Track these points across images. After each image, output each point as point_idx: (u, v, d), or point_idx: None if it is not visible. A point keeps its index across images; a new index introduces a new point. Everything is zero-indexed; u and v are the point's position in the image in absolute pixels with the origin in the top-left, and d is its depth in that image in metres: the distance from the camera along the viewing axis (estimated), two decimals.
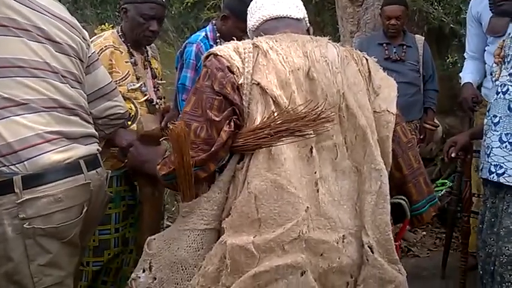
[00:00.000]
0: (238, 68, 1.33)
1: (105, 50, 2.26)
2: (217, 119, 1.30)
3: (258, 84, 1.31)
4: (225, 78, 1.32)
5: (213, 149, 1.29)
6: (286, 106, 1.30)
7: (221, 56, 1.35)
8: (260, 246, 1.24)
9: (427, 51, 3.34)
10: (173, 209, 3.68)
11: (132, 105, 2.25)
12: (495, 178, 2.03)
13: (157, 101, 2.41)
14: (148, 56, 2.49)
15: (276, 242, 1.24)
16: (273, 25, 1.47)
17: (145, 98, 2.32)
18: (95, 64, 1.77)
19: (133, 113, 2.21)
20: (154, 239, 1.41)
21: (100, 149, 1.69)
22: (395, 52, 3.24)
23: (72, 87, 1.59)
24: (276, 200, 1.26)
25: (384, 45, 3.27)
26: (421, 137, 3.34)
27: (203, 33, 2.75)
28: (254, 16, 1.52)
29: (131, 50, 2.39)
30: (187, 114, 1.34)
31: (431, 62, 3.34)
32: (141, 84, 2.34)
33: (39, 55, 1.49)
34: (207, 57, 1.39)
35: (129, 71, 2.33)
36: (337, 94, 1.37)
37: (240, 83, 1.32)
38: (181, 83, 2.64)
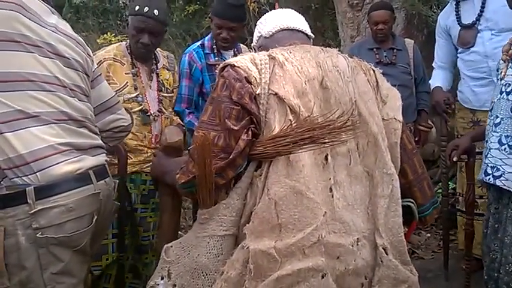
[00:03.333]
0: (255, 78, 1.37)
1: (103, 62, 2.35)
2: (235, 128, 1.34)
3: (276, 94, 1.35)
4: (243, 89, 1.35)
5: (231, 156, 1.33)
6: (303, 114, 1.35)
7: (238, 67, 1.39)
8: (282, 251, 1.28)
9: (417, 54, 3.37)
10: None
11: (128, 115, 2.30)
12: (491, 180, 2.03)
13: (155, 112, 2.43)
14: (157, 67, 2.52)
15: (297, 246, 1.28)
16: (288, 35, 1.55)
17: (139, 108, 2.37)
18: (99, 79, 1.82)
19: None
20: (171, 246, 1.44)
21: (108, 159, 1.73)
22: (386, 56, 3.28)
23: (80, 100, 1.63)
24: (295, 206, 1.29)
25: (374, 50, 3.30)
26: (416, 139, 3.36)
27: (199, 43, 2.83)
28: (271, 24, 1.58)
29: (135, 61, 2.43)
30: (205, 124, 1.38)
31: (422, 65, 3.38)
32: (137, 95, 2.38)
33: (49, 70, 1.53)
34: (223, 68, 1.43)
35: (127, 82, 2.38)
36: (349, 102, 1.42)
37: (257, 93, 1.36)
38: (179, 92, 2.70)
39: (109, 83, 2.23)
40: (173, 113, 2.63)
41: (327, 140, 1.34)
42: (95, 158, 1.62)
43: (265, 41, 1.57)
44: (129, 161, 2.37)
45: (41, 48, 1.53)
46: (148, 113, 2.42)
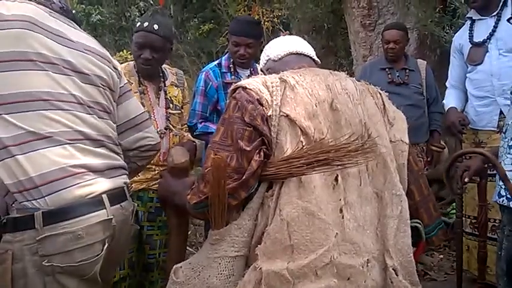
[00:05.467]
0: (267, 100, 1.39)
1: None
2: (248, 148, 1.35)
3: (287, 116, 1.38)
4: (255, 110, 1.38)
5: (244, 177, 1.35)
6: (314, 136, 1.37)
7: (250, 89, 1.41)
8: (294, 272, 1.28)
9: (430, 74, 3.40)
10: (189, 232, 3.72)
11: None
12: (505, 202, 2.01)
13: (162, 130, 2.44)
14: (165, 84, 2.53)
15: (309, 267, 1.28)
16: (296, 59, 1.60)
17: None
18: (127, 95, 1.74)
19: None
20: (181, 267, 1.44)
21: (128, 181, 1.64)
22: (398, 76, 3.31)
23: (99, 117, 1.55)
24: (307, 227, 1.30)
25: (387, 69, 3.34)
26: (429, 159, 3.39)
27: (216, 62, 2.91)
28: (280, 48, 1.63)
29: (141, 79, 2.45)
30: (217, 144, 1.40)
31: (434, 85, 3.41)
32: None
33: (64, 87, 1.47)
34: (234, 90, 1.46)
35: None
36: (359, 124, 1.44)
37: (269, 114, 1.38)
38: (192, 108, 2.76)
39: None
40: (183, 129, 2.65)
41: (340, 163, 1.35)
42: (111, 180, 1.52)
43: (274, 64, 1.62)
44: (136, 178, 2.36)
45: (56, 65, 1.46)
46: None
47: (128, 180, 1.64)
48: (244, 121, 1.37)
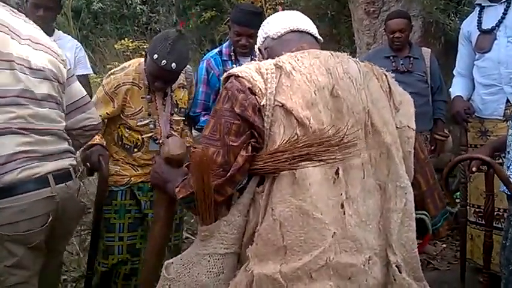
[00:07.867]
0: (260, 89, 1.29)
1: (122, 86, 2.39)
2: (234, 144, 1.27)
3: (282, 105, 1.27)
4: (246, 100, 1.27)
5: (229, 173, 1.27)
6: (312, 127, 1.27)
7: (242, 77, 1.31)
8: (287, 275, 1.21)
9: (434, 62, 3.37)
10: (191, 220, 3.71)
11: (139, 136, 2.46)
12: None
13: (164, 139, 2.45)
14: (172, 88, 2.52)
15: (304, 270, 1.21)
16: (296, 37, 1.47)
17: (149, 135, 2.45)
18: (70, 80, 1.93)
19: (139, 143, 2.46)
20: (172, 263, 1.39)
21: (74, 163, 1.84)
22: (402, 64, 3.27)
23: (50, 108, 1.76)
24: (301, 227, 1.22)
25: (391, 57, 3.30)
26: (432, 147, 3.37)
27: (217, 50, 2.88)
28: (279, 25, 1.50)
29: (150, 86, 2.45)
30: (206, 139, 1.32)
31: (438, 74, 3.37)
32: (149, 122, 2.43)
33: (25, 84, 1.67)
34: (227, 78, 1.36)
35: (142, 107, 2.43)
36: (363, 111, 1.34)
37: (262, 104, 1.28)
38: (195, 98, 2.74)
39: (125, 107, 2.40)
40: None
41: (324, 158, 1.25)
42: (57, 163, 1.74)
43: (273, 43, 1.49)
44: (135, 173, 2.55)
45: (19, 65, 1.66)
46: (158, 141, 2.47)
47: (74, 162, 1.85)
48: (234, 112, 1.28)
